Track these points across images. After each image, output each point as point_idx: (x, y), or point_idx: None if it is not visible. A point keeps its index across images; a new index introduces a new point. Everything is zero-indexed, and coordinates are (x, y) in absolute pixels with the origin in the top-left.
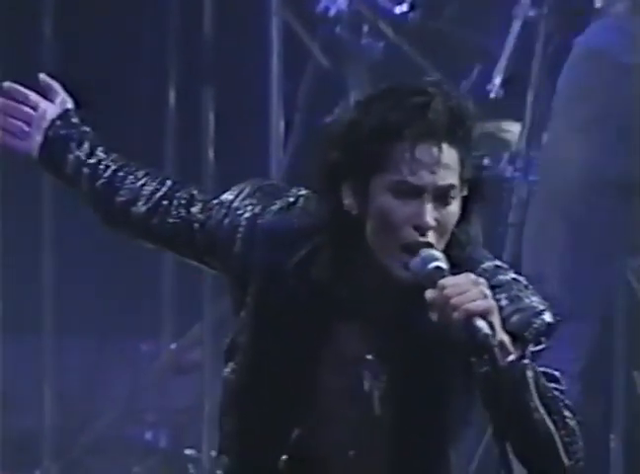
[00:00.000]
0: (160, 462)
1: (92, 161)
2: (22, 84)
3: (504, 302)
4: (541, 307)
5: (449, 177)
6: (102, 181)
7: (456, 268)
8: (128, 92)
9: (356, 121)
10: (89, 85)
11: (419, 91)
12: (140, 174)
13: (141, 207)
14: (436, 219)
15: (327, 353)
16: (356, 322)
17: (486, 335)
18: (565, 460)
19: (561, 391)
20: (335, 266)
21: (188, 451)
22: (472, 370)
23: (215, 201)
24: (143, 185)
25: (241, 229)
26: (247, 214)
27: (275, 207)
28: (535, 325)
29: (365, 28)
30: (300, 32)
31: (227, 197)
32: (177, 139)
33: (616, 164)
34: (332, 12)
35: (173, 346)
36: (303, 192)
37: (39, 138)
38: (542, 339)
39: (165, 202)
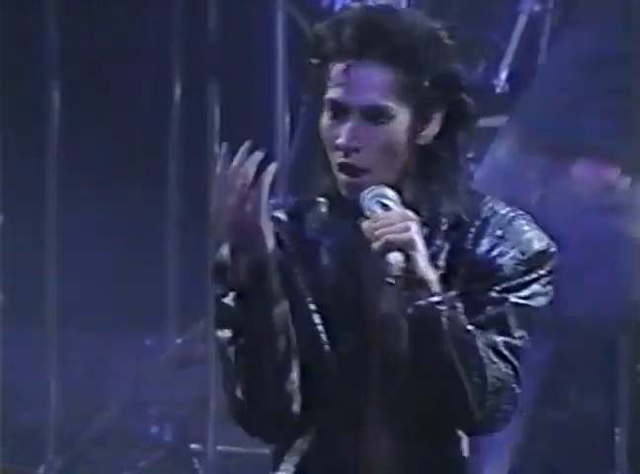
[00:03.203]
0: (165, 456)
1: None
2: None
3: (497, 238)
4: (534, 239)
5: (378, 98)
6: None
7: (455, 199)
8: (133, 87)
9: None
10: (93, 80)
11: (358, 8)
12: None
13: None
14: (367, 138)
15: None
16: (346, 269)
17: (397, 268)
18: (476, 413)
19: (509, 362)
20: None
21: (193, 445)
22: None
23: None
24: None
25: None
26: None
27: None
28: (528, 254)
29: None
30: (305, 26)
31: None
32: (182, 134)
33: None
34: (337, 6)
35: (178, 340)
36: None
37: (270, 241)
38: (535, 267)
39: None
